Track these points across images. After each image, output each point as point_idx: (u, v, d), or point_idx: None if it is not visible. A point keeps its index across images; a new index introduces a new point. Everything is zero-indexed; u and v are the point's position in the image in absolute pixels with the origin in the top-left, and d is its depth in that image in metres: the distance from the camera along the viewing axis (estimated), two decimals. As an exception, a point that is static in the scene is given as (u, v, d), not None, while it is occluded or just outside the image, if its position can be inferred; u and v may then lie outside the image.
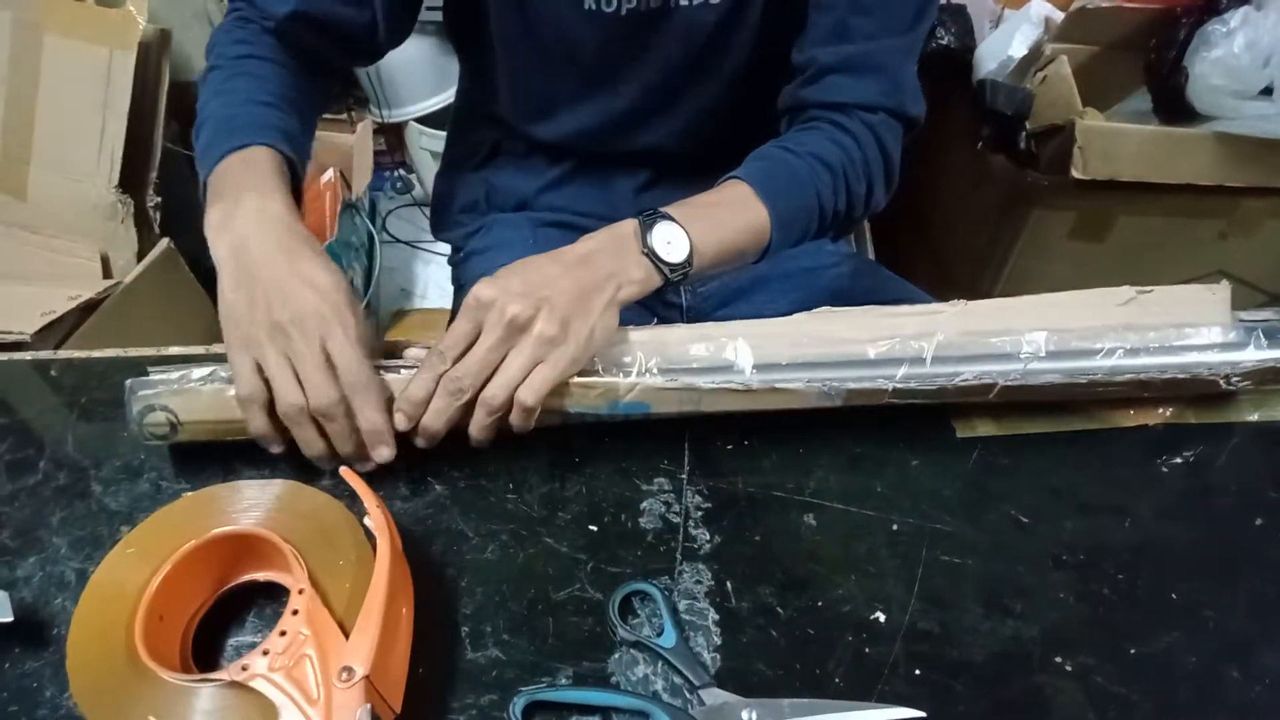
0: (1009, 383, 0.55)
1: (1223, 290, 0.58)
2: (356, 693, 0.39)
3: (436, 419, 0.52)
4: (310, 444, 0.52)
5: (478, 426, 0.52)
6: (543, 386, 0.51)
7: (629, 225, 0.58)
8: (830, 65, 0.67)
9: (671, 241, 0.57)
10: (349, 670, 0.39)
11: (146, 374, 0.53)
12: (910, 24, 0.67)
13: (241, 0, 0.67)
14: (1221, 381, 0.57)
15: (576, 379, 0.53)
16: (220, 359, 0.54)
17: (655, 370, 0.54)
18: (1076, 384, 0.56)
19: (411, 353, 0.57)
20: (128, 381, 0.53)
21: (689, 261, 0.57)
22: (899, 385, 0.55)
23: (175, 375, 0.53)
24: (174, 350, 0.64)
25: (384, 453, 0.52)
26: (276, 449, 0.53)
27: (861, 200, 0.69)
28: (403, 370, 0.54)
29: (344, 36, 0.69)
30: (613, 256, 0.56)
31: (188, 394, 0.53)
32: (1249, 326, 0.57)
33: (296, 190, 0.61)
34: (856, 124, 0.67)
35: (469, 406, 0.52)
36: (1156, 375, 0.56)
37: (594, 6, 0.67)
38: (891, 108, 0.68)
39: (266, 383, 0.51)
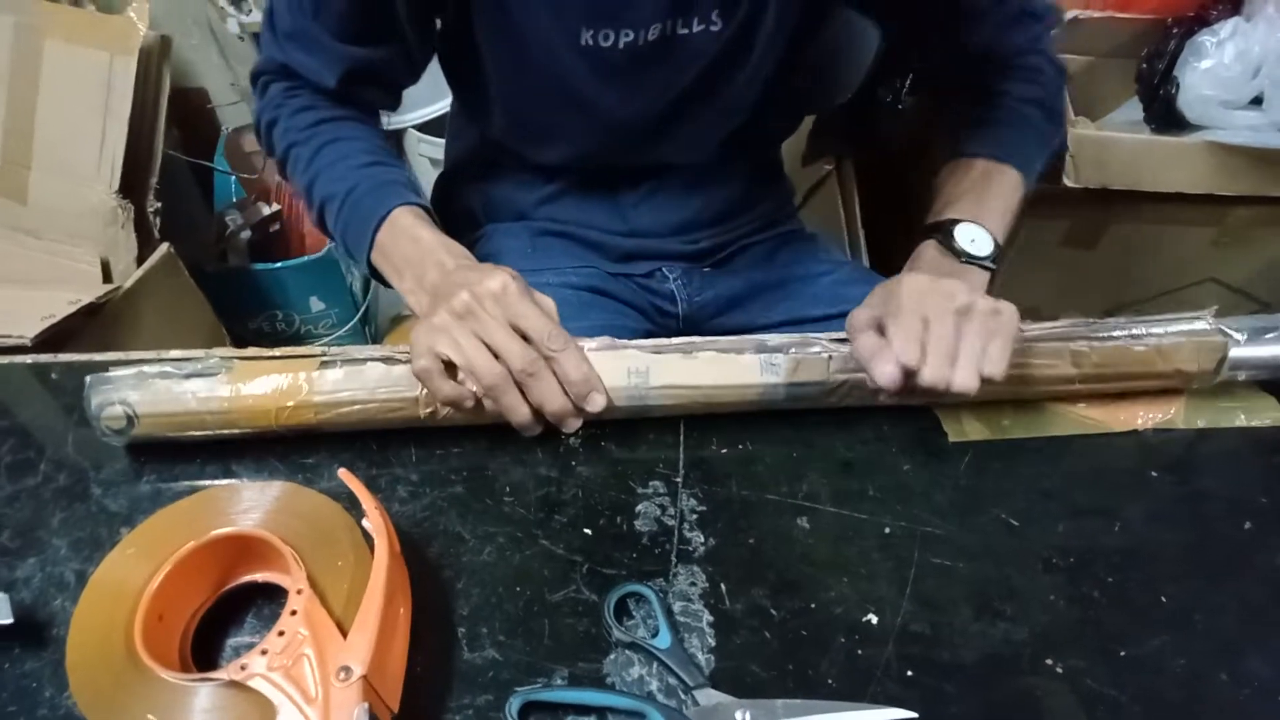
0: None
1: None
2: (354, 692, 0.39)
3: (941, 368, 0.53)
4: (516, 409, 0.53)
5: (966, 374, 0.52)
6: (1003, 358, 0.53)
7: (931, 247, 0.65)
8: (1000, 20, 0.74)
9: (975, 239, 0.64)
10: (347, 670, 0.40)
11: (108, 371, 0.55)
12: None
13: (279, 76, 0.69)
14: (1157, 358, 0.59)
15: None
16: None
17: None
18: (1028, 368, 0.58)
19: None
20: (87, 378, 0.54)
21: (997, 249, 0.65)
22: (843, 353, 0.58)
23: (132, 370, 0.55)
24: (174, 354, 0.64)
25: (598, 400, 0.54)
26: (469, 404, 0.54)
27: (1059, 127, 0.79)
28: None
29: (389, 78, 0.71)
30: (948, 273, 0.61)
31: (144, 387, 0.54)
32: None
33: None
34: (1045, 71, 0.76)
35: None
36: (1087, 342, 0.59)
37: (590, 43, 0.65)
38: (1051, 54, 0.78)
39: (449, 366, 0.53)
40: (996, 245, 0.65)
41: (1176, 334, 0.59)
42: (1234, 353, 0.59)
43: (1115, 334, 0.59)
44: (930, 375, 0.52)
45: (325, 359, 0.56)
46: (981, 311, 0.54)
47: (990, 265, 0.65)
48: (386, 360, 0.56)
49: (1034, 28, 0.76)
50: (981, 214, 0.66)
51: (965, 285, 0.55)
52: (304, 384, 0.54)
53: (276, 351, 0.57)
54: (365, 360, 0.56)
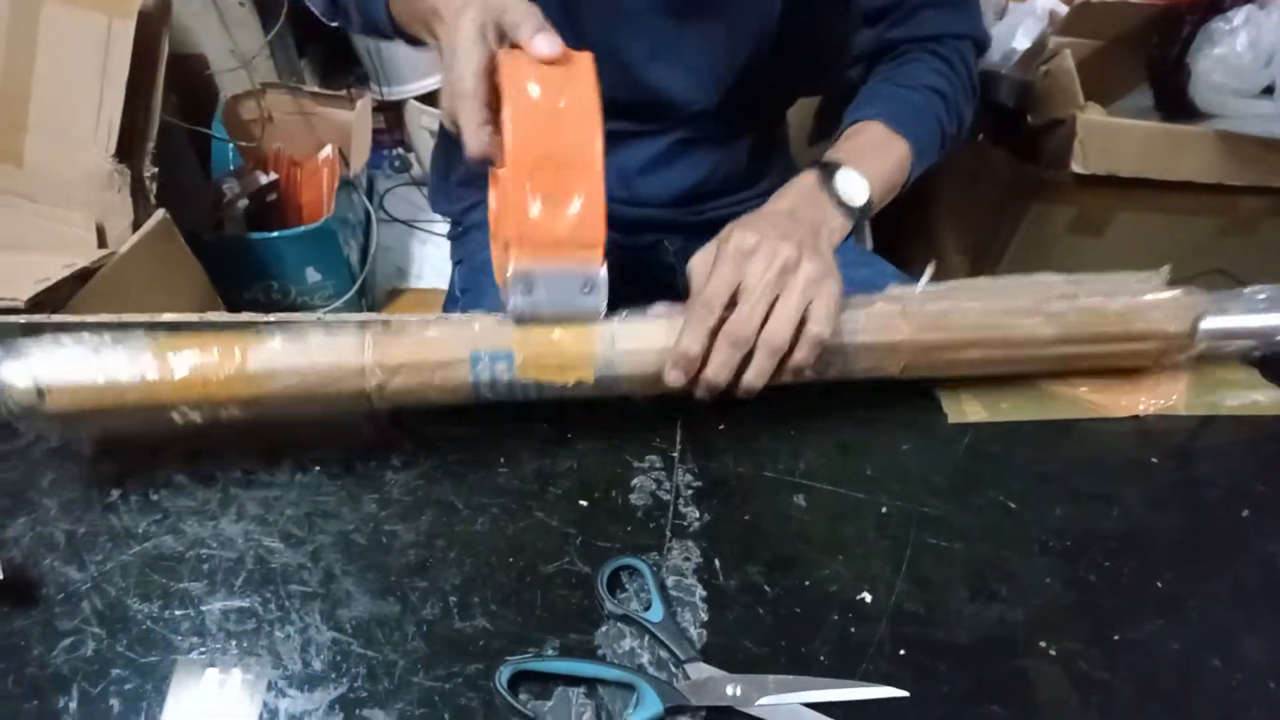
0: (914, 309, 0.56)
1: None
2: None
3: (722, 371, 0.51)
4: (725, 366, 0.51)
5: (758, 373, 0.52)
6: (829, 318, 0.51)
7: (810, 178, 0.61)
8: (922, 3, 0.74)
9: (855, 187, 0.61)
10: None
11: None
12: None
13: None
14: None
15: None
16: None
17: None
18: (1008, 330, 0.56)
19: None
20: None
21: (870, 203, 0.61)
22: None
23: (47, 337, 0.48)
24: (168, 317, 0.64)
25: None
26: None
27: (966, 120, 0.76)
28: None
29: None
30: (812, 208, 0.59)
31: (58, 356, 0.47)
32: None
33: None
34: (951, 52, 0.75)
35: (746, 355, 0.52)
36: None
37: None
38: (974, 35, 0.77)
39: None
40: (869, 204, 0.62)
41: (1144, 289, 0.58)
42: (1218, 323, 0.58)
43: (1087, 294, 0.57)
44: (710, 375, 0.51)
45: (263, 328, 0.51)
46: (805, 276, 0.51)
47: (854, 218, 0.61)
48: (328, 328, 0.51)
49: (958, 14, 0.76)
50: (869, 171, 0.63)
51: (800, 241, 0.53)
52: (237, 353, 0.49)
53: (211, 316, 0.55)
54: (305, 326, 0.51)
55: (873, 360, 0.56)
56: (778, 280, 0.51)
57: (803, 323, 0.51)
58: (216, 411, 0.50)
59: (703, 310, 0.51)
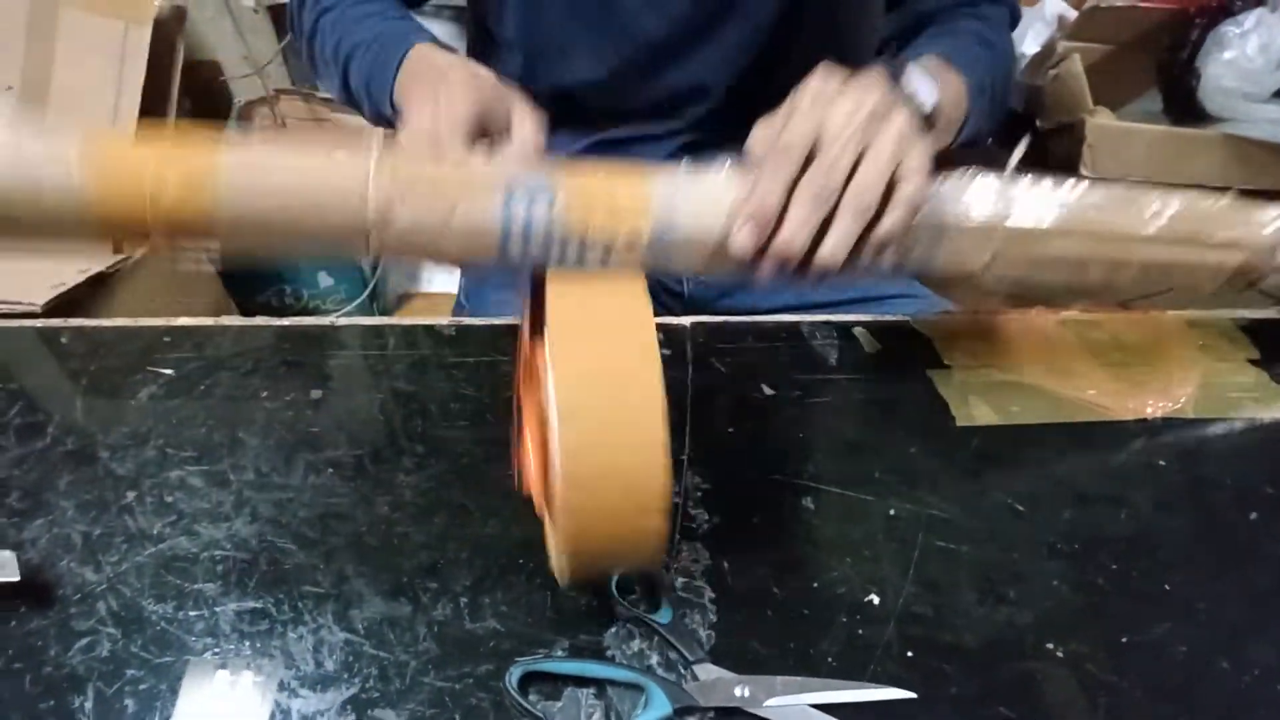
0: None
1: None
2: None
3: (801, 231, 0.42)
4: (805, 225, 0.42)
5: (841, 238, 0.42)
6: (925, 178, 0.43)
7: (875, 73, 0.48)
8: None
9: (923, 86, 0.53)
10: None
11: None
12: None
13: None
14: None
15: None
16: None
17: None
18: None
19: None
20: None
21: (938, 110, 0.54)
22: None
23: None
24: (182, 321, 0.64)
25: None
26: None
27: (1009, 89, 0.73)
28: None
29: None
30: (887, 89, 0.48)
31: None
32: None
33: None
34: (993, 12, 0.73)
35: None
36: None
37: None
38: (1008, 2, 0.75)
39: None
40: (937, 110, 0.55)
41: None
42: None
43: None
44: (787, 236, 0.42)
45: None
46: (898, 127, 0.43)
47: (926, 115, 0.54)
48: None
49: None
50: (940, 79, 0.57)
51: (888, 90, 0.45)
52: (200, 149, 0.38)
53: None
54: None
55: (964, 244, 0.47)
56: (867, 127, 0.42)
57: (893, 184, 0.43)
58: (172, 235, 0.38)
59: (780, 157, 0.42)
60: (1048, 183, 0.49)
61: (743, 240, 0.42)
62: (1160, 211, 0.50)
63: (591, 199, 0.42)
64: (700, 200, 0.43)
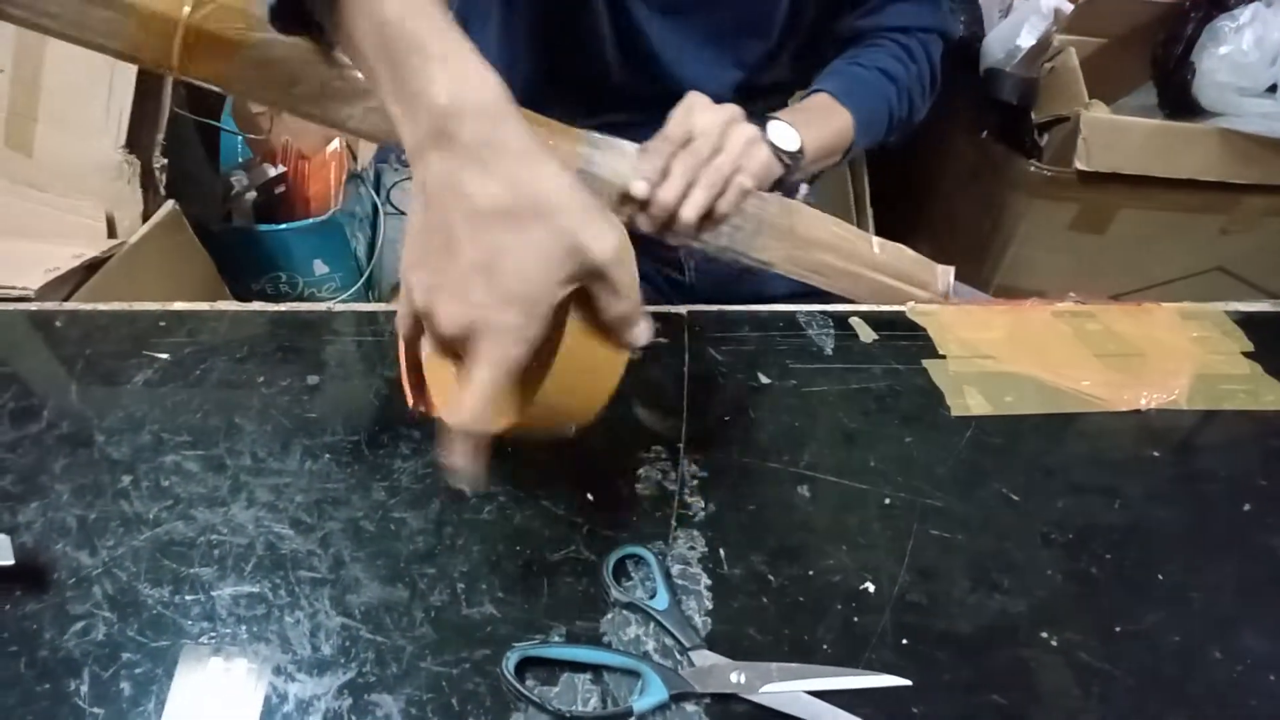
0: None
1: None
2: None
3: (670, 190, 0.58)
4: (674, 190, 0.59)
5: (694, 205, 0.59)
6: (755, 177, 0.61)
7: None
8: None
9: (784, 135, 0.66)
10: None
11: None
12: None
13: None
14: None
15: None
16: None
17: None
18: None
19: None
20: None
21: (800, 152, 0.67)
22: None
23: None
24: (177, 306, 0.64)
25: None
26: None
27: (918, 106, 0.81)
28: None
29: None
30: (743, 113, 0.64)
31: None
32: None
33: None
34: (914, 43, 0.80)
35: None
36: None
37: None
38: (941, 29, 0.82)
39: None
40: (800, 152, 0.67)
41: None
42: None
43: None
44: (663, 194, 0.58)
45: None
46: (745, 134, 0.61)
47: (788, 160, 0.66)
48: None
49: (924, 8, 0.80)
50: (803, 128, 0.68)
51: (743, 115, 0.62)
52: None
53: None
54: None
55: (769, 238, 0.65)
56: (724, 132, 0.60)
57: (734, 175, 0.60)
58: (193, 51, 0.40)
59: (666, 145, 0.60)
60: (828, 217, 0.70)
61: (639, 188, 0.59)
62: (884, 246, 0.70)
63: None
64: (615, 159, 0.60)
